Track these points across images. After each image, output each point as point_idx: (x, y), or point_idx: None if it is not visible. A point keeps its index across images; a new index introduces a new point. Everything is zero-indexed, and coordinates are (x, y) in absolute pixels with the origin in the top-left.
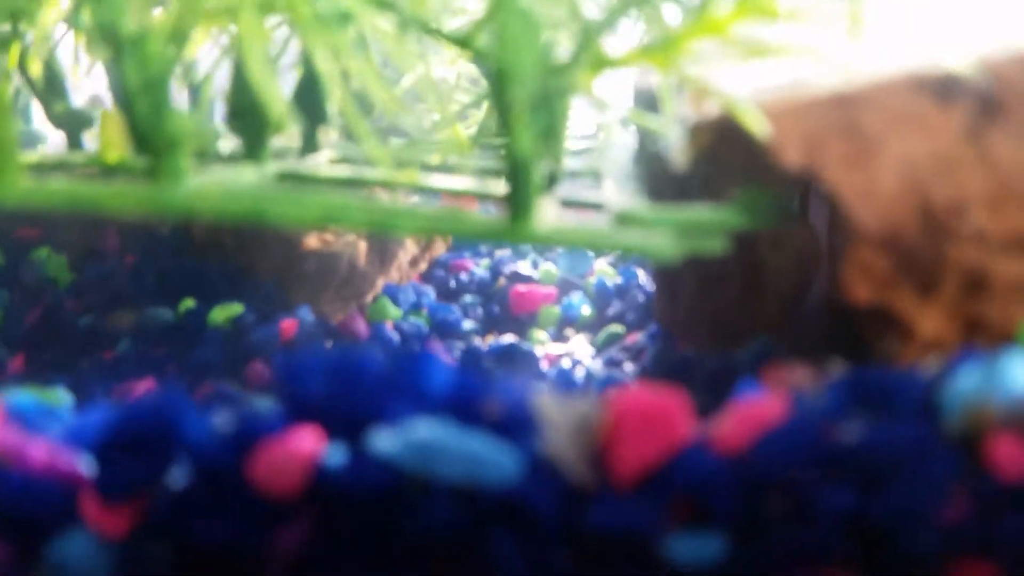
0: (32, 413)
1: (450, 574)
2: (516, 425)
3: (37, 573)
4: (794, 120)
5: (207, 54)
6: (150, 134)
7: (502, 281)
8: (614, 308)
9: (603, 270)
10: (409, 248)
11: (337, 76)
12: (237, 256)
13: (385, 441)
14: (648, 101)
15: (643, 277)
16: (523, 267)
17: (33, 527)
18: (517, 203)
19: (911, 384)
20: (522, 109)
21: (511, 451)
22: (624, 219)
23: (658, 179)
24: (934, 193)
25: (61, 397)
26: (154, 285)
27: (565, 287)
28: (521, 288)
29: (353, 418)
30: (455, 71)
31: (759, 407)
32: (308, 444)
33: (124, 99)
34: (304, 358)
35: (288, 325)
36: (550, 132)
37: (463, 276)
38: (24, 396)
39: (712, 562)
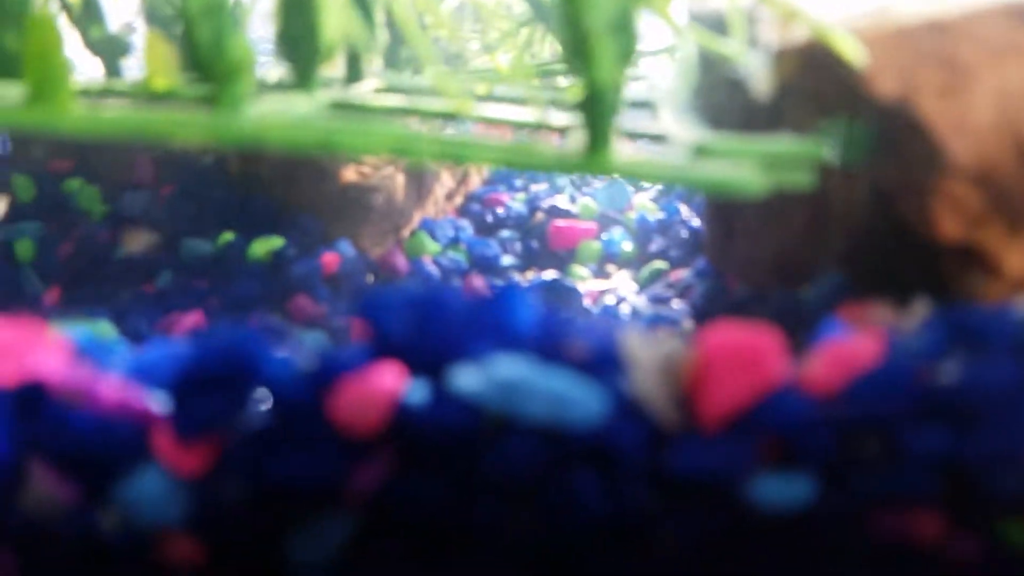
0: (90, 348)
1: (532, 515)
2: (601, 364)
3: (107, 513)
4: (888, 48)
5: None
6: (211, 60)
7: (539, 216)
8: (656, 244)
9: (643, 204)
10: (445, 181)
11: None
12: (274, 189)
13: (467, 379)
14: (708, 26)
15: (686, 212)
16: (561, 201)
17: (103, 466)
18: (595, 133)
19: (1005, 323)
20: (602, 33)
21: (596, 390)
22: (702, 151)
23: (720, 109)
24: None
25: (108, 330)
26: (192, 217)
27: (605, 222)
28: (560, 223)
29: (435, 355)
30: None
31: (852, 347)
32: (390, 381)
33: (179, 24)
34: (386, 294)
35: (329, 259)
36: (626, 58)
37: (499, 210)
38: (78, 330)
39: (799, 505)
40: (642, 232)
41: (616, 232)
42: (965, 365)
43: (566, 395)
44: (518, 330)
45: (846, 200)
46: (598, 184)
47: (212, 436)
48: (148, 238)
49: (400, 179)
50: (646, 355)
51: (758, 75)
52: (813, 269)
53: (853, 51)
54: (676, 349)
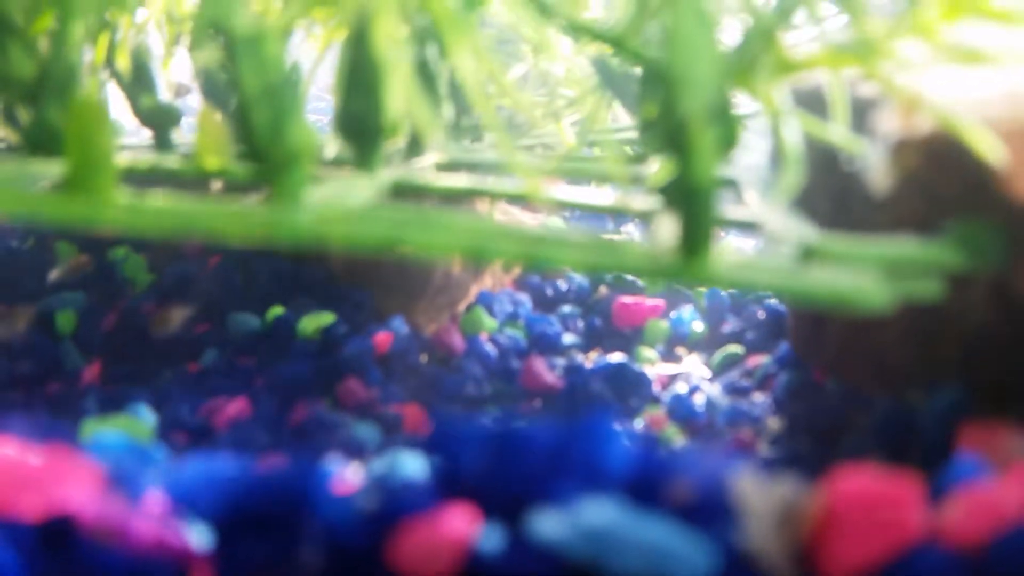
0: (124, 473)
1: None
2: (709, 511)
3: None
4: None
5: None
6: (269, 147)
7: (603, 290)
8: (730, 325)
9: None
10: None
11: (475, 75)
12: (324, 260)
13: (550, 525)
14: (805, 104)
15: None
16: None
17: None
18: (692, 236)
19: None
20: (701, 123)
21: (703, 543)
22: (811, 253)
23: (812, 192)
24: None
25: (144, 424)
26: (240, 289)
27: (672, 297)
28: (625, 299)
29: (514, 496)
30: (563, 66)
31: (996, 494)
32: (461, 526)
33: (232, 105)
34: (460, 426)
35: (382, 338)
36: (726, 148)
37: (560, 283)
38: (112, 435)
39: None
40: (714, 310)
41: (685, 310)
42: None
43: (666, 547)
44: (609, 468)
45: (960, 303)
46: None
47: None
48: (183, 314)
49: None
50: (761, 501)
51: (876, 167)
52: (917, 374)
53: (989, 146)
54: (796, 495)
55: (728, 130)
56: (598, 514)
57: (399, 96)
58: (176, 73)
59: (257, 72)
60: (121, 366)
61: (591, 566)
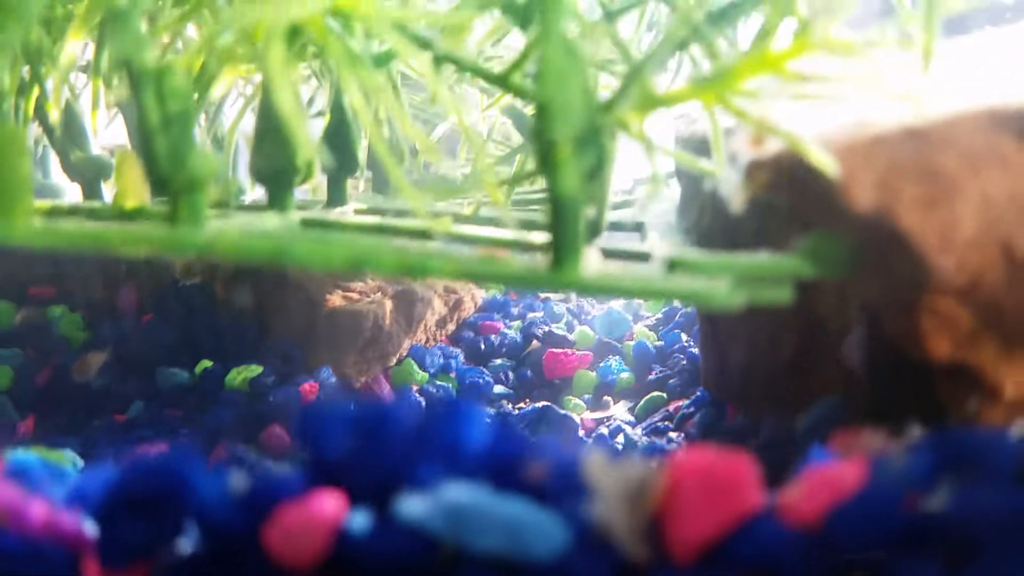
0: (35, 472)
1: None
2: (562, 490)
3: None
4: (864, 157)
5: (232, 106)
6: (169, 173)
7: (535, 344)
8: (655, 373)
9: (643, 333)
10: (437, 308)
11: (372, 119)
12: (257, 314)
13: (414, 506)
14: (693, 151)
15: (686, 340)
16: (557, 329)
17: None
18: (560, 247)
19: (1000, 447)
20: (566, 144)
21: (557, 519)
22: (676, 266)
23: (708, 230)
24: (1018, 238)
25: (68, 458)
26: (171, 345)
27: (602, 351)
28: (555, 351)
29: (379, 480)
30: (486, 124)
31: (833, 473)
32: (329, 508)
33: (142, 138)
34: (325, 412)
35: (308, 388)
36: (596, 173)
37: (493, 338)
38: (27, 455)
39: None
40: (640, 361)
41: (613, 361)
42: (957, 492)
43: (523, 524)
44: (470, 452)
45: (840, 323)
46: (597, 312)
47: (138, 565)
48: (100, 359)
49: (388, 305)
50: (610, 480)
51: (731, 190)
52: (809, 397)
53: (824, 161)
54: (643, 474)
55: (597, 156)
56: (459, 494)
57: (306, 141)
58: (112, 133)
59: (158, 103)
60: (54, 419)
61: (454, 542)
